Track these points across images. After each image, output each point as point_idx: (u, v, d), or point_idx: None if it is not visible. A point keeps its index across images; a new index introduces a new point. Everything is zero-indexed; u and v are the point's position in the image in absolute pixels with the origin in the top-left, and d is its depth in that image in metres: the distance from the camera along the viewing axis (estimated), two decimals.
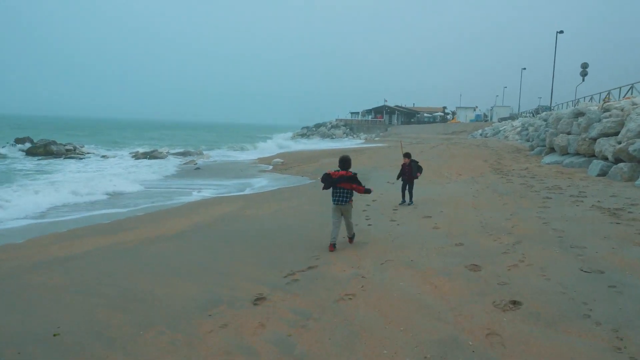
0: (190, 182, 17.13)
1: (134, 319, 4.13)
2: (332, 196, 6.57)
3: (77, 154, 32.61)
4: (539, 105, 52.28)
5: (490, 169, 17.81)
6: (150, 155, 31.70)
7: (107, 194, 13.27)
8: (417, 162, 10.82)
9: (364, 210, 9.93)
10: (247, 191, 14.80)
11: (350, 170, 6.54)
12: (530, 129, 34.08)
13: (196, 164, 27.80)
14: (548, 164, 18.90)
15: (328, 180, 6.45)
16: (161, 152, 33.00)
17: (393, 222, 8.49)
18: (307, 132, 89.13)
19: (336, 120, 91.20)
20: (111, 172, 19.83)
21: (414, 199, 10.64)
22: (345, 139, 71.21)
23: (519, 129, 41.14)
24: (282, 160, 27.05)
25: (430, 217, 8.72)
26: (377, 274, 5.16)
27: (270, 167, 24.39)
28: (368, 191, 6.73)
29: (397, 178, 10.82)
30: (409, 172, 10.53)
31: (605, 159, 14.80)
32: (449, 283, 4.70)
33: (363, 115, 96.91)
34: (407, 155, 10.78)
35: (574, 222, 7.32)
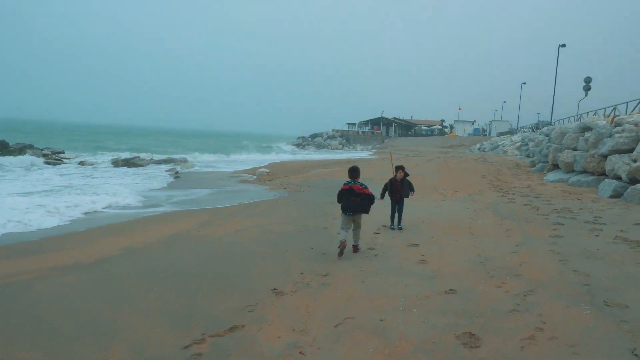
0: (160, 194, 15.44)
1: None
2: (345, 207, 6.77)
3: (55, 159, 30.95)
4: (538, 120, 50.90)
5: (489, 186, 16.21)
6: (130, 163, 30.03)
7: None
8: (408, 179, 9.01)
9: (339, 234, 8.26)
10: (215, 204, 13.10)
11: (361, 183, 6.87)
12: (531, 144, 32.66)
13: (177, 172, 26.21)
14: (552, 181, 17.31)
15: (344, 196, 6.79)
16: (143, 160, 31.36)
17: (370, 251, 6.82)
18: (302, 142, 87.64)
19: (332, 130, 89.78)
20: (61, 184, 17.93)
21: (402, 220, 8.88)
22: (339, 150, 69.67)
23: (518, 144, 39.72)
24: (268, 171, 25.41)
25: (418, 245, 7.05)
26: (325, 347, 3.48)
27: (254, 177, 22.74)
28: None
29: (382, 196, 8.72)
30: (401, 190, 8.67)
31: (619, 178, 13.21)
32: None
33: (360, 126, 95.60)
34: (400, 168, 8.74)
35: (599, 261, 5.66)
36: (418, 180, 18.62)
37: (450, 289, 4.71)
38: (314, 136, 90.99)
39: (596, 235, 7.31)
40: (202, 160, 35.55)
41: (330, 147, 77.37)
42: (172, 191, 16.06)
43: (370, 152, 59.01)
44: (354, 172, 6.98)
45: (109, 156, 34.93)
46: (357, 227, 6.91)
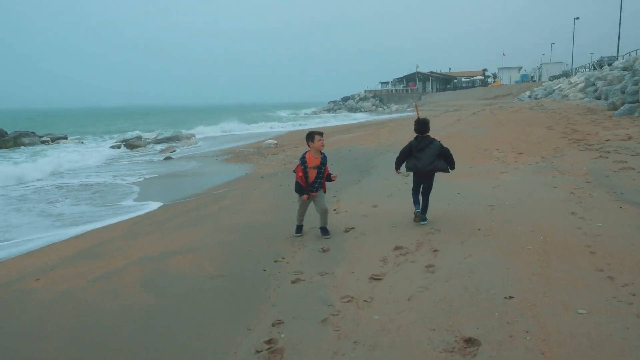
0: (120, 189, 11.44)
1: None
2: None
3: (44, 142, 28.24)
4: (601, 57, 43.44)
5: (566, 141, 11.16)
6: (128, 144, 26.77)
7: None
8: (444, 147, 5.18)
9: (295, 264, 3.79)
10: (166, 197, 8.92)
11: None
12: (600, 83, 26.60)
13: (173, 151, 22.51)
14: None
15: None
16: (143, 140, 27.92)
17: (352, 346, 2.35)
18: (333, 107, 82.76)
19: (365, 91, 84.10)
20: None
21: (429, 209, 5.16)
22: (360, 113, 63.97)
23: (581, 85, 33.32)
24: (275, 142, 21.17)
25: (476, 347, 2.51)
26: None
27: (254, 151, 18.53)
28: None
29: (397, 167, 5.42)
30: (433, 157, 5.04)
31: None
32: None
33: (393, 84, 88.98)
34: (424, 125, 5.21)
35: None
36: (460, 140, 13.70)
37: None
38: (345, 99, 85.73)
39: None
40: (211, 136, 31.74)
41: (363, 109, 72.00)
42: (139, 179, 12.01)
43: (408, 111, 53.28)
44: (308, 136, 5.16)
45: (113, 140, 31.85)
46: (318, 205, 5.05)
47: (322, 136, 5.01)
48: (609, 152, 8.84)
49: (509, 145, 11.61)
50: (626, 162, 7.56)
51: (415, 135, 5.22)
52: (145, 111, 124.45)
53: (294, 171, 5.06)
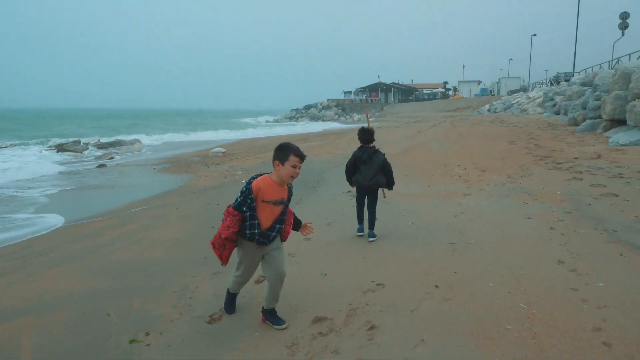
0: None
1: None
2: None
3: None
4: (558, 73, 44.13)
5: (532, 158, 10.23)
6: (62, 149, 24.48)
7: None
8: (387, 161, 4.85)
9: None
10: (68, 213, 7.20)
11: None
12: (558, 98, 26.52)
13: (111, 158, 20.46)
14: (626, 145, 11.34)
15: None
16: (80, 146, 25.54)
17: None
18: (295, 115, 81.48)
19: (327, 100, 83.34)
20: None
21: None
22: (322, 122, 63.09)
23: (539, 100, 33.48)
24: (224, 151, 19.52)
25: None
26: None
27: (198, 159, 16.89)
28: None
29: (350, 180, 4.95)
30: (375, 171, 4.75)
31: None
32: None
33: (356, 94, 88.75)
34: (368, 134, 4.83)
35: None
36: (419, 154, 12.56)
37: None
38: (308, 107, 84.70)
39: None
40: (159, 142, 29.66)
41: (325, 117, 71.05)
42: (52, 191, 10.10)
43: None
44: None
45: (47, 144, 29.07)
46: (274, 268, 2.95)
47: (302, 161, 2.88)
48: (581, 172, 7.84)
49: (471, 160, 10.56)
50: (605, 185, 6.51)
51: (359, 145, 4.85)
52: (105, 114, 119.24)
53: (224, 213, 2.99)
